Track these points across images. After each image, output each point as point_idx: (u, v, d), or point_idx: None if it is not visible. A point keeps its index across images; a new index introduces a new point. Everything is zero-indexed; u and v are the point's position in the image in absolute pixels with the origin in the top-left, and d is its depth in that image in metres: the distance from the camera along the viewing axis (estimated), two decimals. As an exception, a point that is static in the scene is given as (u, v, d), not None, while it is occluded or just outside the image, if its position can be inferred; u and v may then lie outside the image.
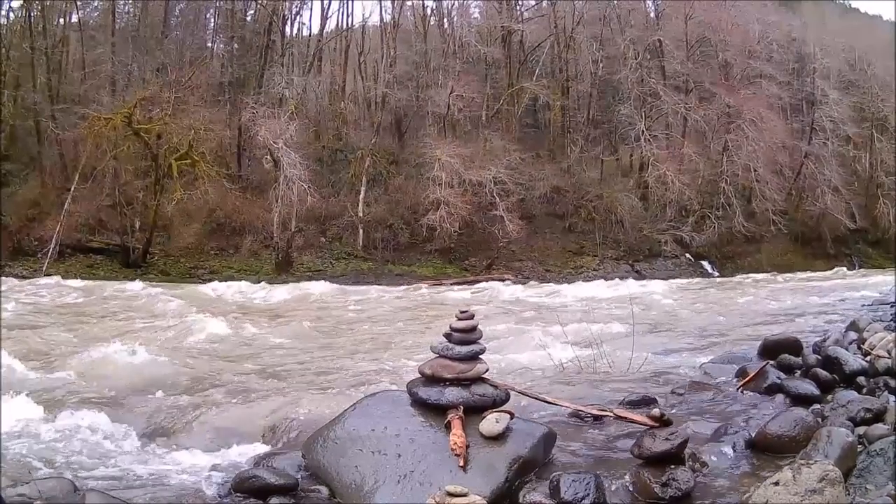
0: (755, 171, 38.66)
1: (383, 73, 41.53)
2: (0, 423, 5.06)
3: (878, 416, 4.22)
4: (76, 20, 41.28)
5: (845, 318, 9.26)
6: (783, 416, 4.19)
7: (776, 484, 3.04)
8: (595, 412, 4.46)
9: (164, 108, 33.45)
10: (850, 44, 49.25)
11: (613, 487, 3.52)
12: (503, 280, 31.35)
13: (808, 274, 32.56)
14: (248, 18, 46.21)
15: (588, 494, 3.29)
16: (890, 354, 5.68)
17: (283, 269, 32.41)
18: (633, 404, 5.05)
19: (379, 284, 28.04)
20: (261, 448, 4.95)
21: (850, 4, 72.57)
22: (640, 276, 34.43)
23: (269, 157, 35.29)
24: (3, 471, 3.89)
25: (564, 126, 44.17)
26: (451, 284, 30.58)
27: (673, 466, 3.46)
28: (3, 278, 24.76)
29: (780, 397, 5.11)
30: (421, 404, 4.03)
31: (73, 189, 32.03)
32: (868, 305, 11.72)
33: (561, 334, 9.01)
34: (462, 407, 3.91)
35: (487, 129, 39.72)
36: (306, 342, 11.32)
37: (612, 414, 4.17)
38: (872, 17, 65.50)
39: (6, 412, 5.58)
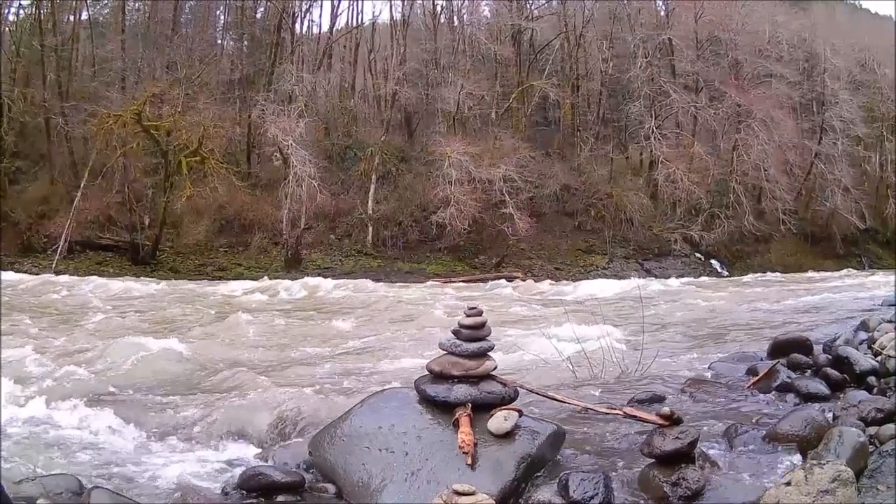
0: (765, 170, 38.61)
1: (393, 71, 41.48)
2: (0, 421, 5.06)
3: (890, 417, 4.17)
4: (86, 17, 41.58)
5: (855, 318, 9.18)
6: (794, 416, 4.16)
7: (788, 484, 3.01)
8: (604, 410, 4.42)
9: (174, 106, 33.56)
10: (860, 44, 49.09)
11: (623, 486, 3.49)
12: (512, 278, 31.34)
13: (818, 274, 32.41)
14: (258, 16, 46.39)
15: (597, 493, 3.26)
16: (901, 354, 5.63)
17: (293, 267, 32.43)
18: (643, 402, 5.03)
19: (388, 282, 27.99)
20: (267, 445, 4.93)
21: (860, 4, 72.48)
22: (649, 274, 34.40)
23: (278, 154, 35.30)
24: (4, 468, 3.87)
25: (574, 124, 44.14)
26: (461, 282, 30.57)
27: (683, 465, 3.43)
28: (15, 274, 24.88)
29: (790, 396, 5.08)
30: (428, 402, 4.01)
31: (82, 186, 32.18)
32: (878, 305, 11.63)
33: (570, 332, 8.97)
34: (470, 404, 3.89)
35: (497, 127, 39.67)
36: (312, 339, 11.29)
37: (621, 412, 4.13)
38: (883, 17, 65.17)
39: (8, 410, 5.59)
